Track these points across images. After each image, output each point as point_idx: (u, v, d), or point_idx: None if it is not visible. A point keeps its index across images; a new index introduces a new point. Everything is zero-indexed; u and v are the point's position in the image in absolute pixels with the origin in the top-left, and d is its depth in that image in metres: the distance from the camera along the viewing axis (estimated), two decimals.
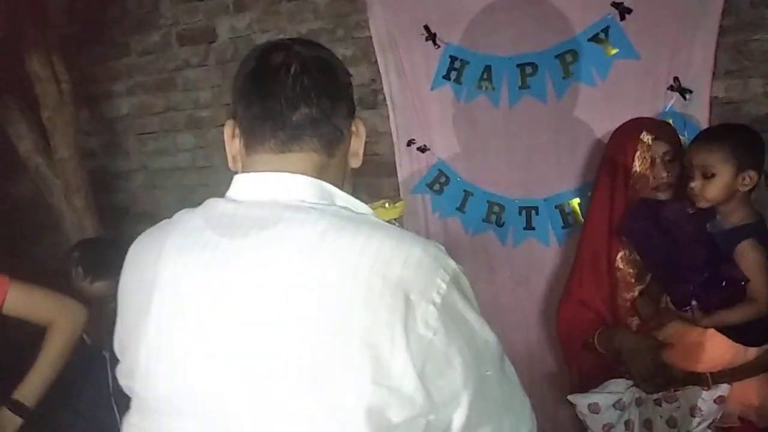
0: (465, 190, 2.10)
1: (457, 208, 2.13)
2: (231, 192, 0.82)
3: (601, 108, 1.82)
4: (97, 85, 2.82)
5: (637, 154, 1.49)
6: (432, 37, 2.02)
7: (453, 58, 2.01)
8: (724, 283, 1.29)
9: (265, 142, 0.79)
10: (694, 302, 1.30)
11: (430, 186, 2.15)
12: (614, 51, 1.80)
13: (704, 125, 1.70)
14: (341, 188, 0.81)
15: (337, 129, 0.81)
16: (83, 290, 1.73)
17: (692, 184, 1.34)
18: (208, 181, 2.61)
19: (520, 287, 2.08)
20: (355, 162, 0.86)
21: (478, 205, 2.09)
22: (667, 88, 1.74)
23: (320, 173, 0.79)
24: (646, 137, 1.49)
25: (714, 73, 1.71)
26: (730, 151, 1.31)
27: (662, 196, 1.48)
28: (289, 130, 0.78)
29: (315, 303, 0.68)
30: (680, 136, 1.60)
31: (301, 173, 0.78)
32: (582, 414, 1.47)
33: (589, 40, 1.82)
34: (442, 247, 0.75)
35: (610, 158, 1.58)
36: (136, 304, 0.80)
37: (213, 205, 0.81)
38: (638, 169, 1.50)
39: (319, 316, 0.68)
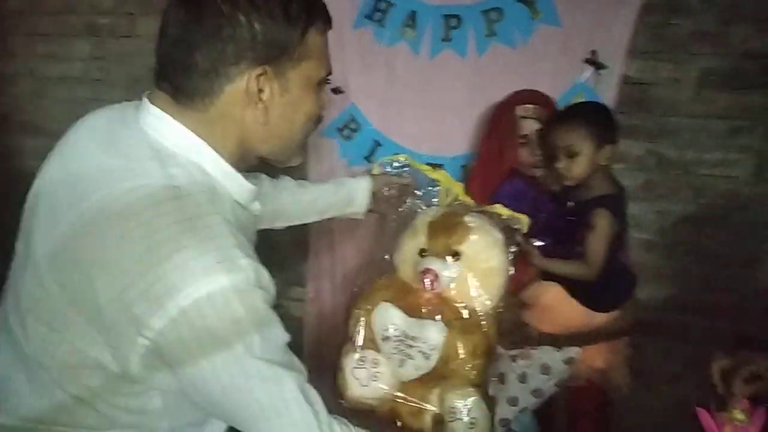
0: (374, 140, 2.05)
1: (365, 158, 2.07)
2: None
3: (518, 71, 1.79)
4: None
5: (509, 125, 1.53)
6: None
7: None
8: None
9: None
10: (534, 241, 1.36)
11: (341, 131, 2.08)
12: (539, 15, 1.77)
13: (613, 103, 1.73)
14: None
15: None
16: None
17: (558, 164, 1.38)
18: (102, 96, 2.40)
19: None
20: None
21: (386, 155, 2.04)
22: (584, 61, 1.75)
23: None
24: (519, 111, 1.52)
25: (629, 52, 1.73)
26: (589, 129, 1.36)
27: (537, 171, 1.52)
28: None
29: None
30: None
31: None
32: None
33: (516, 0, 1.78)
34: None
35: (489, 128, 1.61)
36: None
37: None
38: (512, 142, 1.53)
39: None
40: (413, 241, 1.18)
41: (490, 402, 1.14)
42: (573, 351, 1.46)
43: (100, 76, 2.43)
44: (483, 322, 1.12)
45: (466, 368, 1.09)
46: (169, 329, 0.67)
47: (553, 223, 1.39)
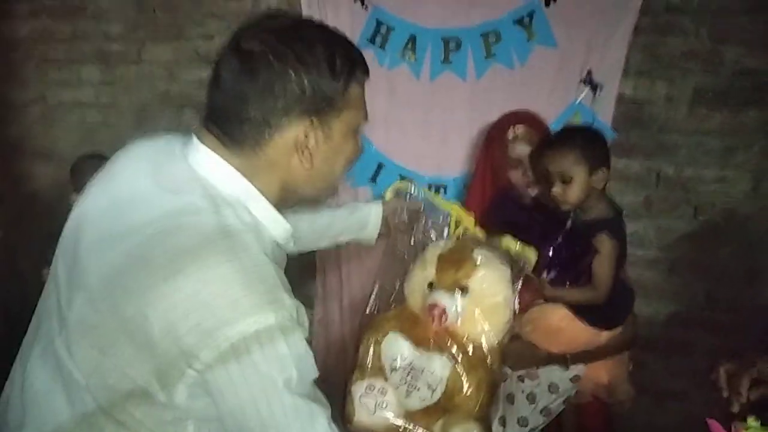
0: (378, 162, 2.08)
1: (370, 179, 2.11)
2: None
3: (517, 92, 1.84)
4: None
5: (503, 147, 1.54)
6: None
7: (379, 23, 1.97)
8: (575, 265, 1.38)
9: None
10: (544, 275, 1.37)
11: None
12: (535, 36, 1.82)
13: (609, 121, 1.77)
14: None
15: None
16: None
17: (554, 190, 1.39)
18: (111, 121, 2.45)
19: None
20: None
21: (390, 177, 2.08)
22: (580, 81, 1.79)
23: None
24: (510, 134, 1.53)
25: (624, 71, 1.78)
26: (582, 154, 1.36)
27: (531, 192, 1.53)
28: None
29: None
30: None
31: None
32: None
33: (514, 22, 1.84)
34: None
35: (484, 148, 1.63)
36: None
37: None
38: (503, 163, 1.55)
39: None
40: (422, 273, 1.20)
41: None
42: (578, 368, 1.47)
43: (109, 102, 2.49)
44: (488, 358, 1.13)
45: (470, 403, 1.11)
46: (218, 362, 0.71)
47: (557, 252, 1.40)
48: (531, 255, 1.22)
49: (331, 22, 2.02)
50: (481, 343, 1.13)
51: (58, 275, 0.85)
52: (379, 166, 2.08)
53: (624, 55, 1.75)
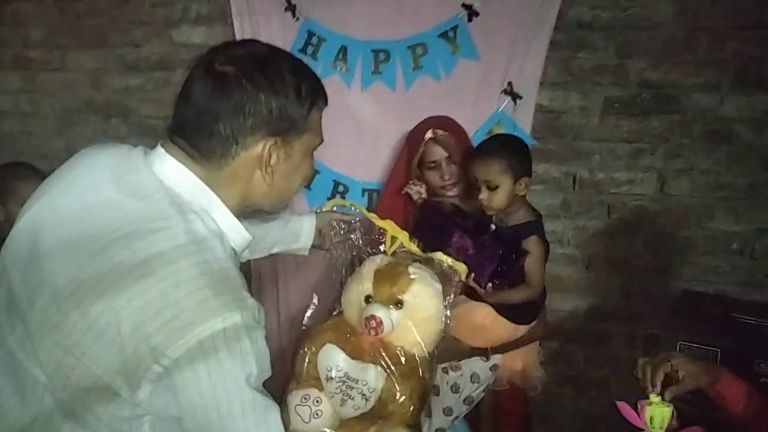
0: None
1: (305, 186, 2.14)
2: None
3: (443, 102, 1.92)
4: None
5: (421, 150, 1.62)
6: (292, 8, 2.01)
7: (310, 34, 2.02)
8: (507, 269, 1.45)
9: None
10: (489, 284, 1.44)
11: None
12: (459, 49, 1.92)
13: (529, 129, 1.88)
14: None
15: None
16: None
17: (480, 197, 1.47)
18: (32, 130, 2.37)
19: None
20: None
21: (325, 183, 2.13)
22: (501, 91, 1.90)
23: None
24: (428, 136, 1.61)
25: (542, 83, 1.90)
26: (507, 164, 1.45)
27: (450, 193, 1.61)
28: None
29: None
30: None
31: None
32: None
33: (439, 35, 1.93)
34: None
35: (401, 155, 1.71)
36: None
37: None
38: (420, 166, 1.63)
39: None
40: (359, 287, 1.24)
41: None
42: (496, 358, 1.58)
43: (30, 110, 2.40)
44: (420, 367, 1.19)
45: (403, 410, 1.16)
46: (185, 359, 0.75)
47: (488, 257, 1.45)
48: (462, 268, 1.29)
49: (263, 32, 2.05)
50: (413, 354, 1.18)
51: (9, 279, 0.86)
52: (314, 172, 2.12)
53: (541, 68, 1.87)
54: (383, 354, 1.16)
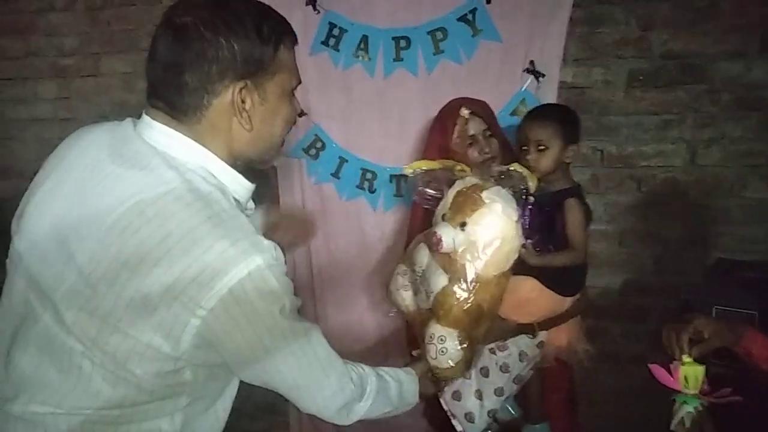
0: (340, 157, 2.16)
1: (332, 174, 2.18)
2: None
3: (466, 85, 1.93)
4: None
5: (457, 128, 1.62)
6: (312, 1, 2.04)
7: (332, 25, 2.04)
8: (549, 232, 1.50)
9: None
10: (528, 242, 1.45)
11: (306, 150, 2.19)
12: (480, 32, 1.93)
13: None
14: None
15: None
16: None
17: (528, 157, 1.50)
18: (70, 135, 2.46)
19: (389, 250, 2.19)
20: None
21: (353, 171, 2.16)
22: (524, 71, 1.90)
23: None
24: (464, 112, 1.60)
25: (563, 60, 1.90)
26: (559, 128, 1.49)
27: (482, 164, 1.58)
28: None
29: None
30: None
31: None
32: None
33: (458, 19, 1.94)
34: None
35: (429, 130, 1.71)
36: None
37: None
38: (456, 141, 1.62)
39: None
40: (442, 206, 1.36)
41: (469, 352, 1.32)
42: (542, 334, 1.57)
43: (67, 116, 2.50)
44: (476, 285, 1.27)
45: (451, 315, 1.27)
46: (220, 307, 0.80)
47: (531, 222, 1.48)
48: (533, 180, 1.42)
49: None
50: (476, 272, 1.26)
51: (27, 266, 0.89)
52: (341, 162, 2.16)
53: (562, 45, 1.87)
54: (449, 266, 1.28)
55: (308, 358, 0.93)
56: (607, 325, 2.13)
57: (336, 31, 2.05)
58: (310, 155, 2.19)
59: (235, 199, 0.92)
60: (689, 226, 1.99)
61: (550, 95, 1.90)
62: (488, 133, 1.61)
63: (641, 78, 1.90)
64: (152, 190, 0.83)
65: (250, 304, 0.82)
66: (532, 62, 1.89)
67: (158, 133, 0.89)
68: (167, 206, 0.82)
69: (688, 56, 1.85)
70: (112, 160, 0.87)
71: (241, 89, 0.88)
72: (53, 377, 0.86)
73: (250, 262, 0.81)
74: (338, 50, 2.06)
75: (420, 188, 1.45)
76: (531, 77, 1.90)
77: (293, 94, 0.98)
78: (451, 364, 1.31)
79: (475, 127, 1.61)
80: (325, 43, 2.07)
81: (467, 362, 1.33)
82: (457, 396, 1.55)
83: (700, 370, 1.10)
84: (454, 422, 1.55)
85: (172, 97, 0.88)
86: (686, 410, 1.11)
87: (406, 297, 1.49)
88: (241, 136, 0.91)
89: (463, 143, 1.62)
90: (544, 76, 1.89)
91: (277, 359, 0.90)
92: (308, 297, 2.30)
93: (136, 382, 0.85)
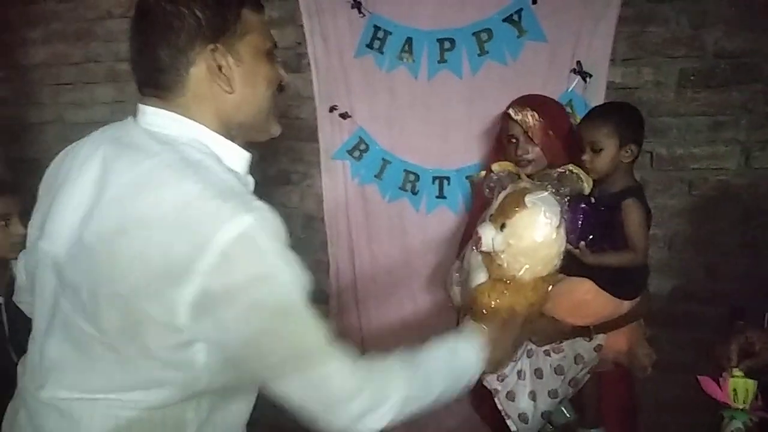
0: (383, 159, 2.18)
1: (375, 176, 2.20)
2: None
3: (511, 86, 1.91)
4: (12, 31, 2.68)
5: (500, 125, 1.63)
6: (357, 5, 2.07)
7: (376, 28, 2.07)
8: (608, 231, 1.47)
9: None
10: (582, 243, 1.45)
11: (350, 152, 2.21)
12: (525, 32, 1.92)
13: None
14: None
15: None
16: None
17: (584, 158, 1.48)
18: None
19: (431, 252, 2.19)
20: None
21: (395, 173, 2.18)
22: (570, 71, 1.88)
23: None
24: (511, 113, 1.59)
25: (612, 60, 1.87)
26: (615, 128, 1.46)
27: (525, 171, 1.59)
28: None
29: None
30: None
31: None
32: None
33: (503, 20, 1.93)
34: None
35: (497, 134, 1.71)
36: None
37: None
38: (504, 143, 1.63)
39: None
40: (494, 205, 1.37)
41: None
42: (600, 338, 1.55)
43: (123, 119, 2.59)
44: (511, 286, 1.27)
45: (482, 313, 1.27)
46: (213, 270, 0.79)
47: (588, 221, 1.48)
48: (588, 182, 1.43)
49: (330, 29, 2.12)
50: (514, 275, 1.26)
51: (58, 261, 0.92)
52: (384, 163, 2.18)
53: (610, 45, 1.84)
54: (489, 265, 1.31)
55: (303, 337, 0.87)
56: (654, 332, 2.07)
57: (380, 34, 2.07)
58: (354, 157, 2.21)
59: (233, 171, 0.94)
60: (743, 231, 1.92)
61: (597, 96, 1.87)
62: (528, 137, 1.59)
63: (693, 78, 1.85)
64: (143, 164, 0.86)
65: (243, 266, 0.81)
66: (579, 63, 1.86)
67: (151, 116, 0.92)
68: (159, 176, 0.84)
69: (742, 55, 1.79)
70: (119, 155, 0.90)
71: (212, 51, 0.90)
72: (74, 362, 0.89)
73: (240, 222, 0.80)
74: (382, 53, 2.08)
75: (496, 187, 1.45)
76: (578, 78, 1.87)
77: (272, 56, 0.99)
78: None
79: (513, 128, 1.60)
80: (370, 45, 2.09)
81: (497, 362, 1.32)
82: (511, 396, 1.54)
83: (750, 384, 1.07)
84: (509, 422, 1.54)
85: (153, 77, 0.91)
86: (735, 426, 1.08)
87: (457, 292, 1.52)
88: (225, 101, 0.93)
89: (505, 143, 1.62)
90: (591, 76, 1.86)
91: (270, 335, 0.85)
92: (350, 297, 2.33)
93: (150, 363, 0.86)
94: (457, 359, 1.06)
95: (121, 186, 0.86)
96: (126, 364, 0.87)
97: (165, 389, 0.89)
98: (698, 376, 1.12)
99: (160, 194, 0.83)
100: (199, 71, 0.91)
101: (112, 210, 0.85)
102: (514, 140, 1.60)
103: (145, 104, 0.94)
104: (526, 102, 1.62)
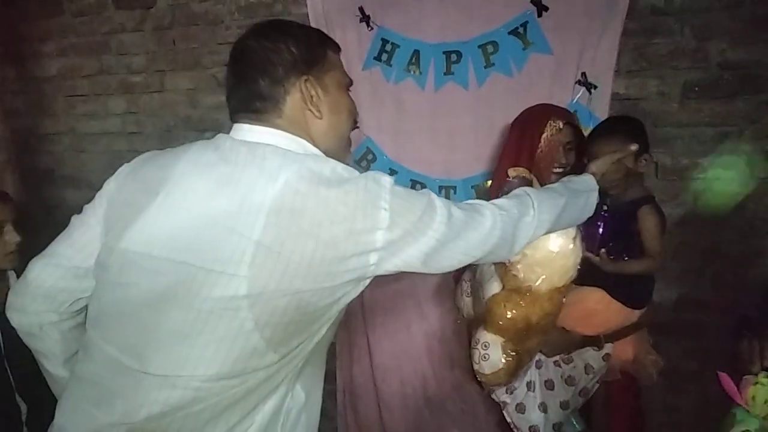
0: (390, 168, 2.21)
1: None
2: None
3: (517, 97, 1.94)
4: (27, 43, 2.75)
5: (545, 135, 1.61)
6: (366, 18, 2.11)
7: (384, 41, 2.10)
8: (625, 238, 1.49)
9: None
10: (603, 250, 1.46)
11: (358, 162, 2.24)
12: (531, 45, 1.94)
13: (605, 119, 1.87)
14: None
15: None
16: None
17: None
18: (138, 147, 2.60)
19: None
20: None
21: (402, 183, 2.18)
22: (575, 82, 1.91)
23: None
24: (557, 122, 1.60)
25: (616, 71, 1.89)
26: (623, 141, 1.45)
27: (555, 179, 1.60)
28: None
29: None
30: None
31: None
32: None
33: (509, 33, 1.96)
34: None
35: (516, 137, 1.69)
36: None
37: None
38: (544, 150, 1.61)
39: None
40: None
41: (513, 363, 1.33)
42: (608, 347, 1.56)
43: (135, 130, 2.64)
44: (526, 297, 1.29)
45: (497, 323, 1.31)
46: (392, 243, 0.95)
47: (605, 229, 1.50)
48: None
49: (339, 42, 2.14)
50: (530, 285, 1.28)
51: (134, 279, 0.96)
52: (392, 173, 2.21)
53: (614, 57, 1.86)
54: (504, 276, 1.33)
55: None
56: (661, 341, 2.07)
57: (388, 47, 2.10)
58: (362, 167, 2.24)
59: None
60: (749, 241, 1.92)
61: (602, 107, 1.89)
62: (569, 146, 1.62)
63: (697, 89, 1.86)
64: (288, 176, 0.90)
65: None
66: (584, 74, 1.89)
67: (255, 133, 0.99)
68: (305, 186, 0.89)
69: (747, 66, 1.80)
70: (224, 164, 0.94)
71: (305, 81, 1.00)
72: (175, 344, 0.91)
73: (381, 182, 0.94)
74: (390, 65, 2.12)
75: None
76: (583, 89, 1.90)
77: (349, 91, 1.10)
78: (493, 371, 1.33)
79: (563, 137, 1.61)
80: (378, 58, 2.13)
81: (510, 372, 1.35)
82: (521, 408, 1.55)
83: None
84: None
85: (253, 103, 1.00)
86: (742, 428, 1.07)
87: (467, 302, 1.52)
88: (315, 126, 1.02)
89: (550, 153, 1.60)
90: (596, 87, 1.88)
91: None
92: (357, 306, 2.34)
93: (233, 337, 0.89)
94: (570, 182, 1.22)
95: (277, 193, 0.89)
96: (220, 346, 0.91)
97: (257, 373, 0.94)
98: (719, 372, 1.11)
99: (320, 195, 0.89)
100: (294, 98, 1.01)
101: (282, 218, 0.88)
102: (569, 147, 1.62)
103: (242, 124, 1.01)
104: (564, 112, 1.65)
